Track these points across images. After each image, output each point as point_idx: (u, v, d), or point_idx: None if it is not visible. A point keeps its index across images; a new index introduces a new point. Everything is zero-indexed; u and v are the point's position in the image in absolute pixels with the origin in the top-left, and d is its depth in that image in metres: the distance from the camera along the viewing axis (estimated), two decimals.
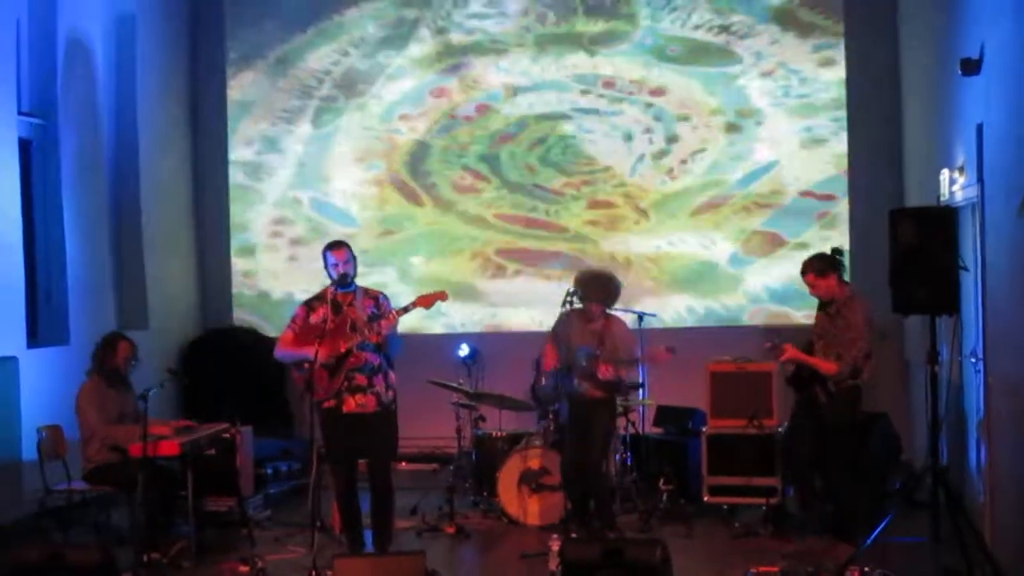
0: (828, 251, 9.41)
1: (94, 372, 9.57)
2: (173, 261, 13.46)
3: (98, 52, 12.11)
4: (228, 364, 13.25)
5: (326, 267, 8.88)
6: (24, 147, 11.07)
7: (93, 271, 11.87)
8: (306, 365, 8.65)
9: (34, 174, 11.31)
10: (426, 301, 8.65)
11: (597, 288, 9.53)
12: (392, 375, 8.89)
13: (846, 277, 9.37)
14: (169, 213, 13.44)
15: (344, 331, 8.69)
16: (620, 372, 9.39)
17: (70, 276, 11.44)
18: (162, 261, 13.09)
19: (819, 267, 9.26)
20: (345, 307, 8.81)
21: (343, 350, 8.66)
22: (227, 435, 9.92)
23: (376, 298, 8.88)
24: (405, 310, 8.64)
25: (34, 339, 11.05)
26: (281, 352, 8.95)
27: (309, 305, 8.93)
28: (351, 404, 8.74)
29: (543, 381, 9.81)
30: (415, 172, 13.60)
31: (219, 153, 13.92)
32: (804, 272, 9.34)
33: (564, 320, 9.61)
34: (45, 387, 10.58)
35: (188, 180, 13.92)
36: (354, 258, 8.89)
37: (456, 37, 13.49)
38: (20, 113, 10.91)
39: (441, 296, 8.73)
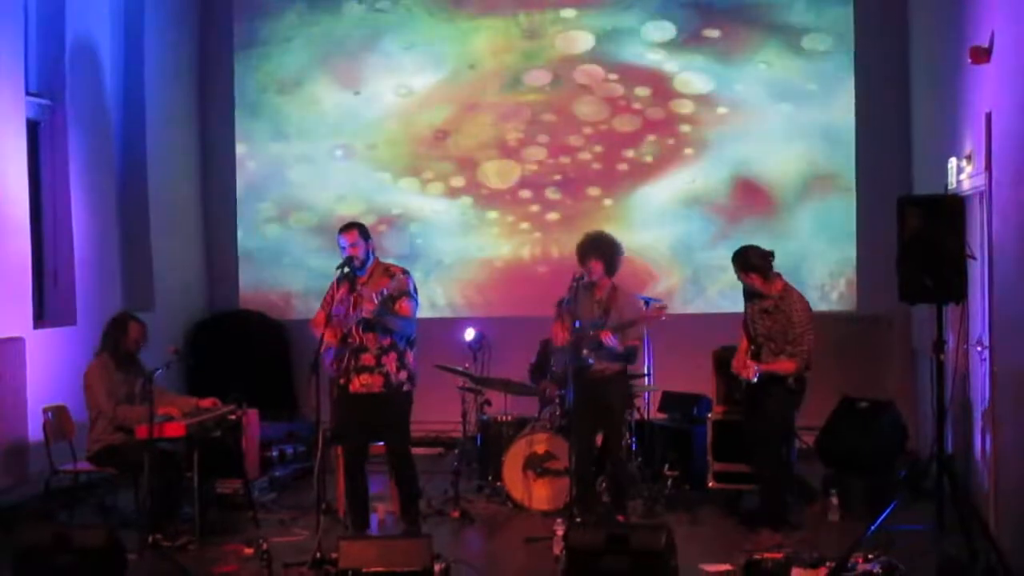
0: (763, 249, 9.40)
1: (103, 352, 9.56)
2: (180, 243, 13.46)
3: (106, 32, 12.11)
4: (234, 346, 13.28)
5: (339, 248, 8.92)
6: (32, 128, 11.07)
7: (100, 252, 11.88)
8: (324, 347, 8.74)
9: (42, 155, 11.31)
10: (396, 289, 8.66)
11: (595, 246, 9.49)
12: (409, 355, 8.89)
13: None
14: (176, 194, 13.44)
15: (350, 312, 8.75)
16: (628, 341, 9.37)
17: (77, 257, 11.45)
18: (169, 242, 13.09)
19: (745, 262, 9.35)
20: (359, 287, 8.84)
21: (344, 331, 8.71)
22: (233, 417, 9.93)
23: (394, 276, 8.81)
24: (386, 299, 8.62)
25: (41, 319, 11.06)
26: (312, 327, 9.03)
27: (337, 283, 8.95)
28: (356, 384, 8.79)
29: (552, 363, 9.80)
30: (425, 150, 13.61)
31: (227, 134, 13.90)
32: (733, 260, 9.43)
33: (570, 296, 9.60)
34: (52, 367, 10.61)
35: (196, 161, 13.91)
36: (366, 240, 8.89)
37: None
38: (28, 94, 10.90)
39: (404, 284, 8.73)
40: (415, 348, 8.97)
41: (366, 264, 8.88)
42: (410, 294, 8.78)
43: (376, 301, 8.52)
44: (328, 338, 8.72)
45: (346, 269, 8.81)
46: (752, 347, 9.33)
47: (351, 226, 8.98)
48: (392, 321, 8.72)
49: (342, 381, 8.85)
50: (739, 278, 9.38)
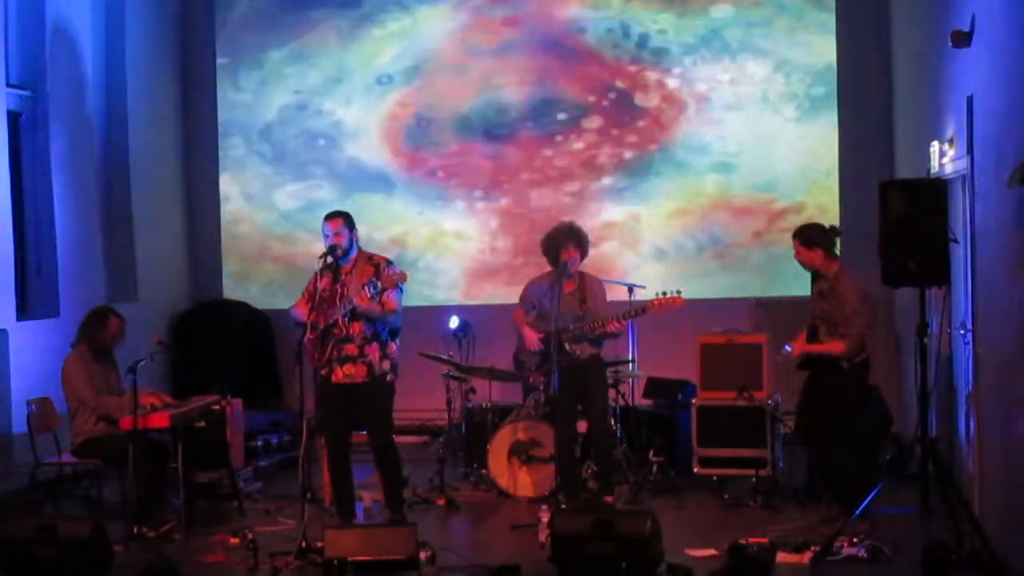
0: (826, 225, 9.32)
1: (80, 343, 9.54)
2: (163, 233, 13.43)
3: (87, 22, 12.07)
4: (219, 336, 13.26)
5: (323, 236, 8.92)
6: (13, 119, 11.03)
7: (83, 243, 11.85)
8: (309, 335, 8.72)
9: (23, 146, 11.28)
10: (390, 282, 8.63)
11: (570, 234, 9.55)
12: (392, 346, 8.91)
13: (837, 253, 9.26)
14: (159, 185, 13.39)
15: (335, 301, 8.74)
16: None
17: (60, 248, 11.42)
18: (152, 233, 13.06)
19: (807, 237, 9.13)
20: (343, 276, 8.83)
21: (330, 320, 8.70)
22: (217, 407, 9.91)
23: (378, 265, 8.83)
24: (379, 292, 8.61)
25: (24, 311, 11.04)
26: (293, 314, 9.07)
27: (319, 271, 8.93)
28: (339, 375, 8.81)
29: (527, 358, 9.82)
30: (411, 137, 13.60)
31: (210, 123, 13.87)
32: (794, 236, 9.26)
33: (535, 288, 9.66)
34: (35, 359, 10.58)
35: (178, 151, 13.87)
36: (350, 229, 8.89)
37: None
38: (8, 85, 10.86)
39: (401, 277, 8.72)
40: (398, 339, 8.99)
41: (349, 253, 8.88)
42: (396, 286, 8.79)
43: (369, 293, 8.53)
44: (314, 320, 8.70)
45: (329, 259, 8.80)
46: (808, 330, 9.25)
47: (336, 215, 8.97)
48: (382, 315, 8.75)
49: (324, 371, 8.85)
50: (799, 257, 9.20)
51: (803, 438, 9.44)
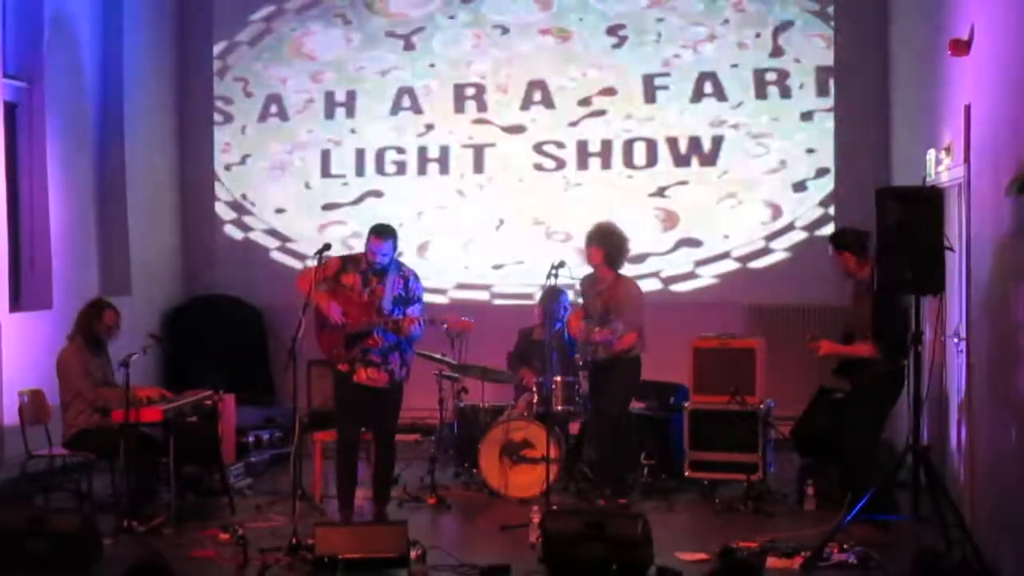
0: (854, 230, 9.42)
1: (76, 336, 9.52)
2: (157, 227, 13.41)
3: (85, 14, 12.06)
4: (211, 331, 13.25)
5: (366, 246, 8.96)
6: (9, 110, 11.02)
7: (77, 236, 11.84)
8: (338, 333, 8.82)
9: (19, 138, 11.27)
10: (456, 325, 9.18)
11: (595, 234, 9.67)
12: (410, 354, 9.11)
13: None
14: (154, 178, 13.38)
15: (371, 311, 8.86)
16: (619, 344, 9.54)
17: (54, 240, 11.42)
18: (146, 227, 13.05)
19: (837, 241, 9.34)
20: (374, 285, 8.93)
21: (367, 329, 8.83)
22: (209, 403, 9.91)
23: (407, 279, 9.00)
24: (432, 322, 9.03)
25: (17, 303, 11.03)
26: (303, 286, 8.81)
27: (344, 263, 9.04)
28: (362, 376, 8.95)
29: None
30: (405, 132, 13.59)
31: (207, 117, 13.86)
32: (829, 240, 9.47)
33: (583, 282, 9.81)
34: (27, 351, 10.59)
35: (174, 145, 13.85)
36: (394, 249, 8.97)
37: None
38: (5, 76, 10.86)
39: (469, 328, 9.16)
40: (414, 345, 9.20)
41: (385, 265, 8.96)
42: (420, 299, 9.05)
43: (417, 317, 8.88)
44: (335, 316, 8.78)
45: (325, 254, 8.80)
46: (845, 332, 9.26)
47: (387, 235, 8.93)
48: (409, 331, 8.94)
49: (344, 368, 8.94)
50: (840, 266, 9.30)
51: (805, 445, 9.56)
